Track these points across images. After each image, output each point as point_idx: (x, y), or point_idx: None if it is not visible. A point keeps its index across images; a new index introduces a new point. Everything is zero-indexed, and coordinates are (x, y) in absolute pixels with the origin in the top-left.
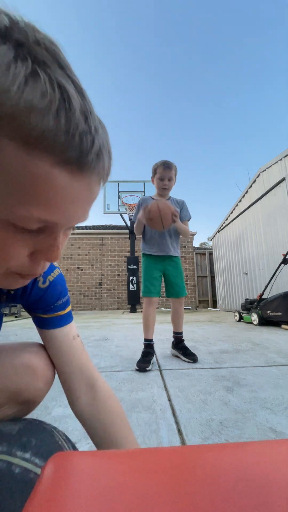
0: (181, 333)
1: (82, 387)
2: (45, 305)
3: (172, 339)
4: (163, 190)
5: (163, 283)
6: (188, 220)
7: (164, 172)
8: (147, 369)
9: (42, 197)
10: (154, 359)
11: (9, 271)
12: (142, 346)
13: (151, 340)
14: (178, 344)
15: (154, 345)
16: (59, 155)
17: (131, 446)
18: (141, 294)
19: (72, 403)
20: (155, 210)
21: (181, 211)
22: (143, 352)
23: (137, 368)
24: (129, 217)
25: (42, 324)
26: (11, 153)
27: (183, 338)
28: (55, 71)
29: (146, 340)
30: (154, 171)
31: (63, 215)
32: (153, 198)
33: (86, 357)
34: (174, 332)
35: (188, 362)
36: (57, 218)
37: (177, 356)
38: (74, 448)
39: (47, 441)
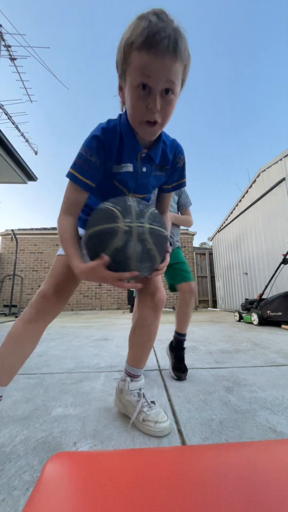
0: (184, 335)
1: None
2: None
3: (172, 339)
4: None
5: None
6: (189, 207)
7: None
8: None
9: (142, 69)
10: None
11: (141, 120)
12: None
13: None
14: (177, 349)
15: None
16: (144, 48)
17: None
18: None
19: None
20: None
21: (179, 198)
22: None
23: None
24: None
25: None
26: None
27: (184, 346)
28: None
29: None
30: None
31: (154, 77)
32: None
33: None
34: (176, 332)
35: (173, 378)
36: (151, 80)
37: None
38: None
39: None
